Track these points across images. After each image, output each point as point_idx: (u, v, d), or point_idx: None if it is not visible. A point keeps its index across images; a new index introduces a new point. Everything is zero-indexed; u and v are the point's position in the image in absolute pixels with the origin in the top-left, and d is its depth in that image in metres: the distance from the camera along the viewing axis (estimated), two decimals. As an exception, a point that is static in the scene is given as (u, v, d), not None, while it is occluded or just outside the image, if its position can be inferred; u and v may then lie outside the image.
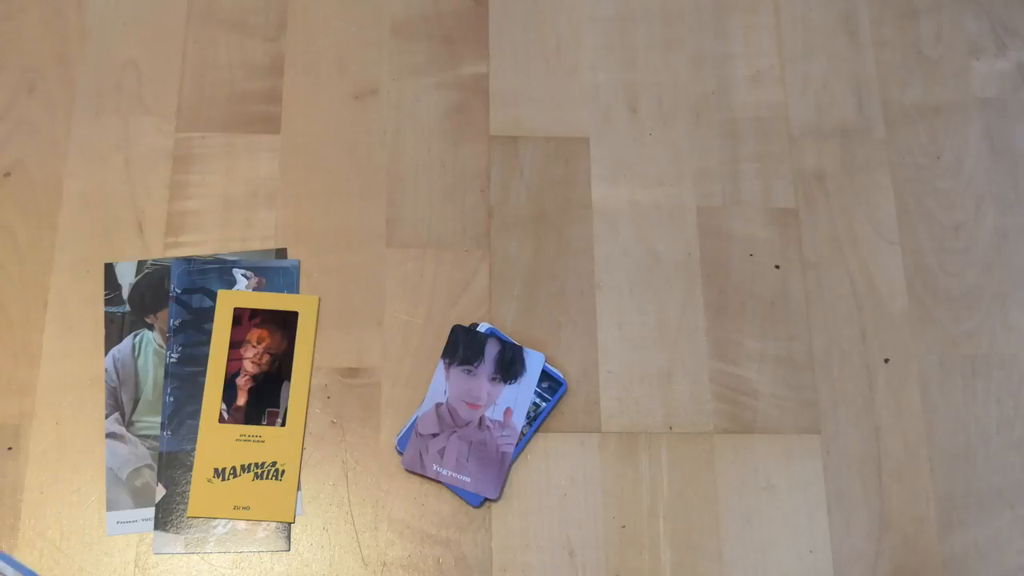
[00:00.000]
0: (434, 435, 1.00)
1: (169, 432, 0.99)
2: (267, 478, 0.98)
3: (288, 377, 1.01)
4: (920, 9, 1.20)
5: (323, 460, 1.00)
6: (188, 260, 1.04)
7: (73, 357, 1.01)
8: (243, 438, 0.99)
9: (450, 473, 0.99)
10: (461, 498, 0.99)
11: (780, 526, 1.00)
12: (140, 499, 0.97)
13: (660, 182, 1.11)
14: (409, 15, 1.16)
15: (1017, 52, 1.19)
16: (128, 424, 0.99)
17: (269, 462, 0.98)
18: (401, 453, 0.99)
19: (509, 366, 1.02)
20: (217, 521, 0.97)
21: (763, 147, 1.13)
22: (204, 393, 1.00)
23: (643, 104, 1.14)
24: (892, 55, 1.18)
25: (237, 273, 1.04)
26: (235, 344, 1.02)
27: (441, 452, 0.99)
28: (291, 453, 0.99)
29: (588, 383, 1.03)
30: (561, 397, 1.02)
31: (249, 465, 0.98)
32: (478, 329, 1.03)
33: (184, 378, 1.00)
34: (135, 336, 1.02)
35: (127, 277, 1.04)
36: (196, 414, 0.99)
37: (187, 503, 0.97)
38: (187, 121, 1.10)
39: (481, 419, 1.00)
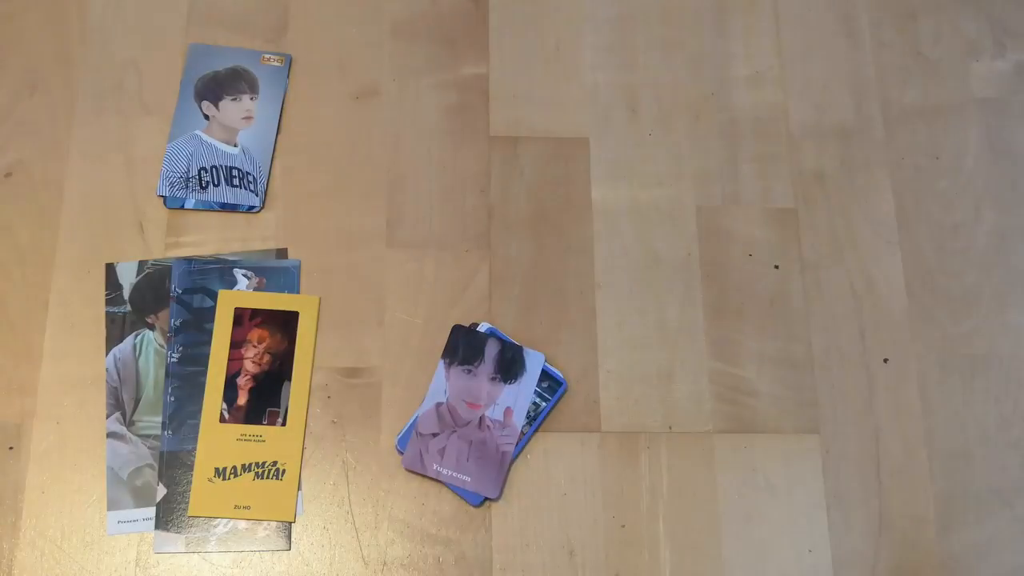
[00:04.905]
0: (434, 435, 1.00)
1: (170, 432, 0.99)
2: (268, 478, 0.98)
3: (289, 377, 1.01)
4: (919, 10, 1.20)
5: (323, 460, 1.00)
6: (189, 260, 1.05)
7: (74, 357, 1.01)
8: (244, 438, 0.99)
9: (450, 472, 0.99)
10: (461, 497, 0.99)
11: (779, 526, 1.00)
12: (141, 498, 0.97)
13: (660, 182, 1.11)
14: (409, 16, 1.16)
15: (1015, 53, 1.19)
16: (129, 424, 0.99)
17: (270, 462, 0.99)
18: (401, 453, 1.00)
19: (509, 366, 1.02)
20: (218, 520, 0.97)
21: (762, 147, 1.13)
22: (205, 393, 1.00)
23: (643, 104, 1.14)
24: (891, 56, 1.18)
25: (238, 273, 1.04)
26: (236, 344, 1.02)
27: (441, 452, 0.99)
28: (292, 453, 0.99)
29: (588, 383, 1.04)
30: (561, 397, 1.02)
31: (250, 464, 0.98)
32: (478, 329, 1.04)
33: (185, 378, 1.01)
34: (136, 336, 1.02)
35: (128, 277, 1.04)
36: (197, 414, 1.00)
37: (188, 502, 0.97)
38: (188, 121, 1.11)
39: (481, 419, 1.00)
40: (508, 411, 1.01)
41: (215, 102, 1.10)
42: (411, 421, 1.00)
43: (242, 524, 0.97)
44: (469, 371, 1.02)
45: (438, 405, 1.01)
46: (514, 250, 1.08)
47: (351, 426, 1.01)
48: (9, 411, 1.00)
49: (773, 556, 0.99)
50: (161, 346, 1.02)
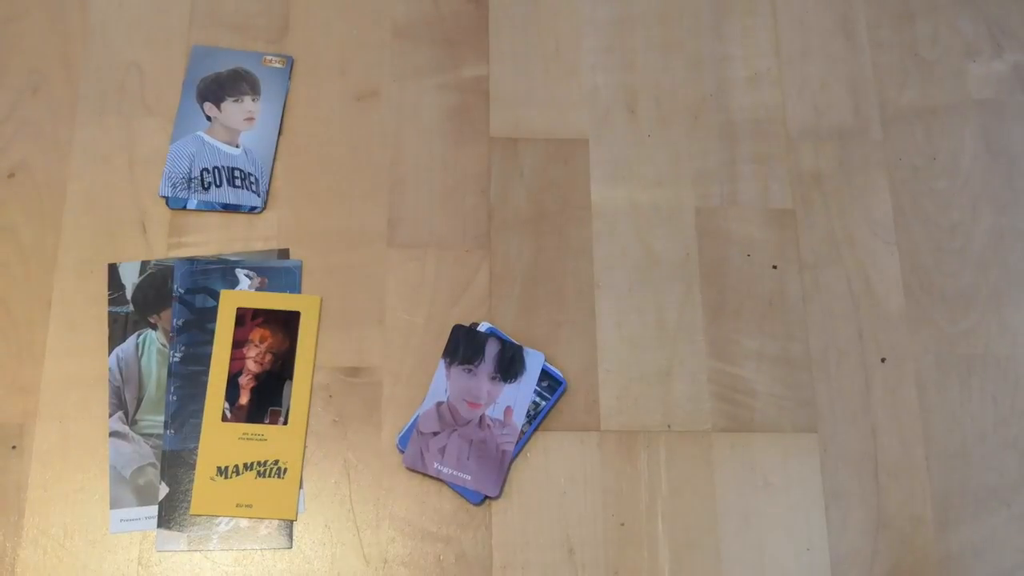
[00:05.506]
0: (435, 433, 1.00)
1: (172, 431, 1.00)
2: (269, 476, 0.99)
3: (290, 376, 1.02)
4: (916, 11, 1.21)
5: (325, 458, 1.00)
6: (191, 260, 1.05)
7: (77, 356, 1.02)
8: (246, 437, 1.00)
9: (451, 471, 0.99)
10: (462, 496, 0.99)
11: (777, 524, 1.01)
12: (143, 497, 0.98)
13: (659, 183, 1.12)
14: (410, 17, 1.17)
15: (1013, 54, 1.20)
16: (131, 423, 1.00)
17: (271, 460, 0.99)
18: (402, 451, 1.00)
19: (509, 365, 1.03)
20: (220, 519, 0.98)
21: (761, 148, 1.14)
22: (207, 392, 1.01)
23: (642, 105, 1.15)
24: (889, 57, 1.19)
25: (240, 273, 1.05)
26: (238, 344, 1.02)
27: (442, 450, 1.00)
28: (293, 451, 1.00)
29: (587, 382, 1.04)
30: (561, 396, 1.03)
31: (251, 463, 0.99)
32: (478, 328, 1.04)
33: (187, 377, 1.01)
34: (138, 336, 1.03)
35: (131, 277, 1.04)
36: (199, 413, 1.00)
37: (190, 501, 0.98)
38: (190, 122, 1.11)
39: (481, 418, 1.01)
40: (508, 410, 1.01)
41: (217, 103, 1.11)
42: (412, 420, 1.01)
43: (244, 522, 0.98)
44: (469, 370, 1.02)
45: (439, 404, 1.01)
46: (514, 250, 1.08)
47: (352, 425, 1.01)
48: (12, 410, 1.00)
49: (771, 554, 1.00)
50: (163, 345, 1.02)
